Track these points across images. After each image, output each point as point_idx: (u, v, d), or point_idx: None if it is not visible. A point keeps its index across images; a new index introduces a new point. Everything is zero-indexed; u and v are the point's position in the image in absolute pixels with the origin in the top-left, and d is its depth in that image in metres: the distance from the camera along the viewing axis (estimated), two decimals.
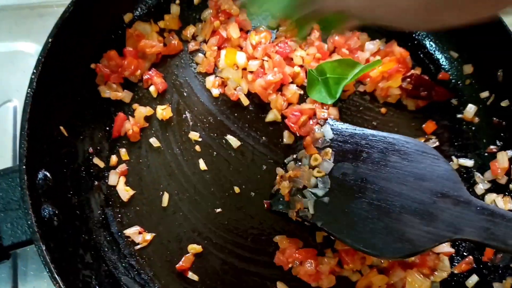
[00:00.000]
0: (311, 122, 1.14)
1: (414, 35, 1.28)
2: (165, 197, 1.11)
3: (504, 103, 1.15)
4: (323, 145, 1.07)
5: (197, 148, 1.15)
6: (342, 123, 1.09)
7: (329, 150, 1.05)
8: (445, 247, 1.10)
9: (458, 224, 0.89)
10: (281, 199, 1.07)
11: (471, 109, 1.19)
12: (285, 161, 1.13)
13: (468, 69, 1.22)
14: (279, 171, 1.11)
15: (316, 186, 1.02)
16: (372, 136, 1.02)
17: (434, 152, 0.97)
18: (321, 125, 1.11)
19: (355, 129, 1.06)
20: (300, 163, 1.09)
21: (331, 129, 1.08)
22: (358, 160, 1.00)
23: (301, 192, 1.04)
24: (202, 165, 1.13)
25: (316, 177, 1.03)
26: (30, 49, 1.35)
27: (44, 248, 0.89)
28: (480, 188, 1.14)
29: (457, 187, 0.92)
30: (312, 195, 1.02)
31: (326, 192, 1.00)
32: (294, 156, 1.11)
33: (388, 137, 1.01)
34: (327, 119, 1.13)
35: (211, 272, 1.07)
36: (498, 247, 0.87)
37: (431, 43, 1.27)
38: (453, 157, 1.18)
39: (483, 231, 0.87)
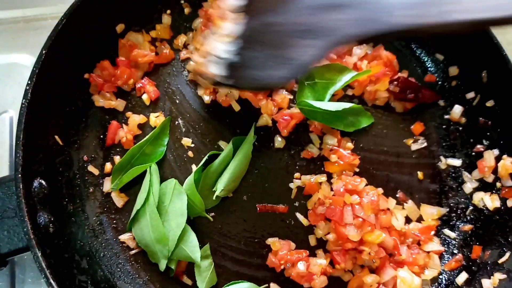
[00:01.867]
0: None
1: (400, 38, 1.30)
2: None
3: (489, 103, 1.17)
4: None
5: (190, 153, 1.17)
6: None
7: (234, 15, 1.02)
8: (436, 245, 1.12)
9: (379, 12, 0.84)
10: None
11: (457, 109, 1.21)
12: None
13: (453, 71, 1.25)
14: None
15: (225, 51, 1.01)
16: None
17: None
18: None
19: None
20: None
21: None
22: (261, 11, 0.99)
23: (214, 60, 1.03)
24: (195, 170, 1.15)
25: (222, 43, 1.02)
26: (26, 61, 1.38)
27: (40, 254, 0.91)
28: (468, 187, 1.17)
29: None
30: (222, 59, 1.01)
31: (237, 52, 1.00)
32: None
33: None
34: None
35: None
36: (435, 26, 0.79)
37: (417, 46, 1.30)
38: (442, 157, 1.20)
39: (412, 11, 0.80)
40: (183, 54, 1.26)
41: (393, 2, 0.84)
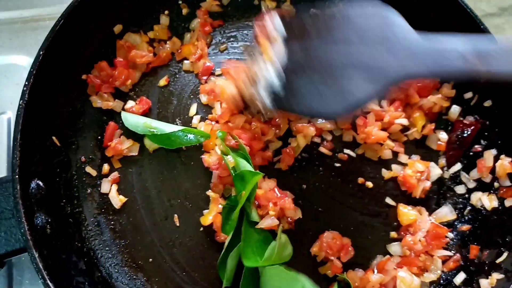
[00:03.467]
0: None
1: None
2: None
3: (487, 103, 1.17)
4: (274, 35, 1.06)
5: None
6: None
7: (278, 36, 1.05)
8: (444, 251, 1.12)
9: (407, 61, 0.90)
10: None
11: (455, 109, 1.21)
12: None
13: None
14: None
15: (272, 75, 1.02)
16: (316, 12, 1.03)
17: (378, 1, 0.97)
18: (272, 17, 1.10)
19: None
20: (254, 60, 1.09)
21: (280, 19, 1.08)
22: (308, 38, 1.01)
23: (260, 84, 1.05)
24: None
25: (271, 65, 1.03)
26: (24, 62, 1.38)
27: (37, 255, 0.91)
28: (466, 187, 1.17)
29: (402, 27, 0.93)
30: (269, 83, 1.02)
31: (282, 76, 1.01)
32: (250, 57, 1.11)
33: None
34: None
35: None
36: (452, 74, 0.90)
37: None
38: (440, 157, 1.20)
39: (431, 61, 0.87)
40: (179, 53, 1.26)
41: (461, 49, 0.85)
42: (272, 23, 1.07)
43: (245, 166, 1.07)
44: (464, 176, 1.18)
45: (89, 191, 1.13)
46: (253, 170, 1.06)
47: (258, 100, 1.07)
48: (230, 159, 1.08)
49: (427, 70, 0.88)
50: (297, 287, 1.00)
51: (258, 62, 1.07)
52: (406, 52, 0.90)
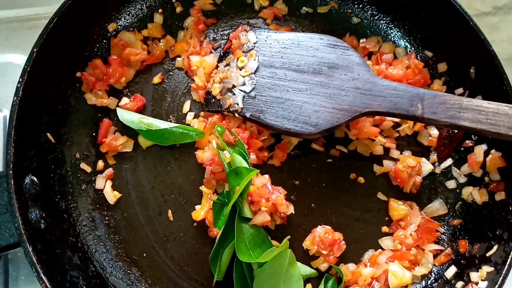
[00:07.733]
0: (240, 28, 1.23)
1: (390, 36, 1.32)
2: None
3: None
4: (248, 49, 1.18)
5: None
6: (266, 30, 1.23)
7: (254, 52, 1.17)
8: (434, 245, 1.13)
9: (368, 100, 1.05)
10: (213, 100, 1.17)
11: None
12: (217, 64, 1.23)
13: (442, 67, 1.26)
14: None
15: (243, 84, 1.14)
16: (291, 37, 1.16)
17: (345, 44, 1.12)
18: (247, 31, 1.21)
19: (276, 33, 1.19)
20: (229, 67, 1.18)
21: (255, 34, 1.19)
22: (281, 58, 1.14)
23: (230, 90, 1.15)
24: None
25: (244, 77, 1.14)
26: (20, 60, 1.39)
27: (30, 249, 0.93)
28: (457, 181, 1.18)
29: (366, 71, 1.08)
30: (240, 92, 1.13)
31: (253, 88, 1.12)
32: (224, 61, 1.22)
33: (305, 36, 1.15)
34: (255, 27, 1.26)
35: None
36: (401, 115, 1.04)
37: (406, 43, 1.31)
38: (431, 153, 1.21)
39: (388, 103, 1.04)
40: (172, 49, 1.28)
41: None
42: (248, 38, 1.19)
43: (241, 162, 1.08)
44: (455, 171, 1.19)
45: (83, 187, 1.14)
46: (249, 167, 1.07)
47: (229, 97, 1.13)
48: (226, 154, 1.09)
49: (384, 110, 1.05)
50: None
51: (232, 68, 1.16)
52: (371, 93, 1.06)
